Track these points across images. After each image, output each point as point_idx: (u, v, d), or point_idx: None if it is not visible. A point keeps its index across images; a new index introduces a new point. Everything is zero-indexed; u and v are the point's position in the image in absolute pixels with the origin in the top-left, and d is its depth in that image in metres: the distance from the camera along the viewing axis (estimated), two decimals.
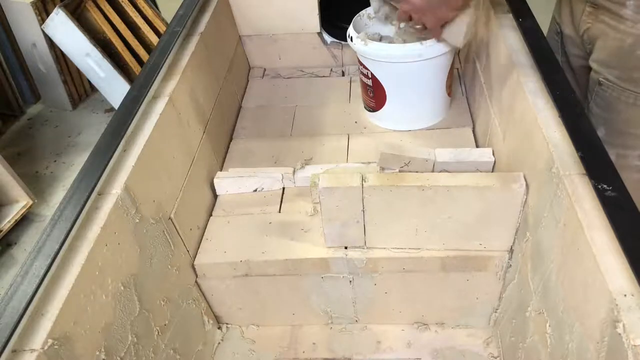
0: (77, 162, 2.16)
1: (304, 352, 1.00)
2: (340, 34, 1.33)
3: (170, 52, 0.97)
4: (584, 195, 0.63)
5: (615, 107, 0.92)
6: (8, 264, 1.74)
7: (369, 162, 1.05)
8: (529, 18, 0.96)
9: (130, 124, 0.82)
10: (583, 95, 1.01)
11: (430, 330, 1.01)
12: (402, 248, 0.90)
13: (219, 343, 1.02)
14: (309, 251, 0.92)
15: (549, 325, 0.69)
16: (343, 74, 1.41)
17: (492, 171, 0.92)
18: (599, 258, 0.57)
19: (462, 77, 1.30)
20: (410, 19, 0.96)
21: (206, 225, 1.00)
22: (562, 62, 1.04)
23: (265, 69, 1.44)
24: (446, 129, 1.17)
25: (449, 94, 1.19)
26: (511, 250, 0.86)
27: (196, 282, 0.96)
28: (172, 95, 0.92)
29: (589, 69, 0.97)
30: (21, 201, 1.82)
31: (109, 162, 0.75)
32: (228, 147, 1.20)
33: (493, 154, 0.92)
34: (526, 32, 0.92)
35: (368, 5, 1.19)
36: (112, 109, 2.38)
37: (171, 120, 0.92)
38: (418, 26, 0.98)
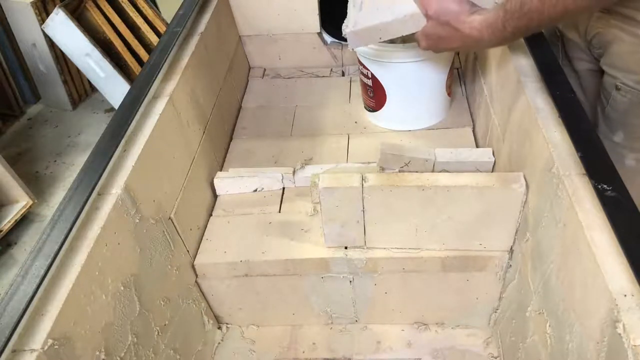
0: (77, 162, 2.16)
1: (304, 352, 1.00)
2: (340, 34, 1.33)
3: (170, 52, 0.97)
4: (584, 195, 0.63)
5: (634, 112, 0.91)
6: (8, 264, 1.74)
7: (369, 162, 1.05)
8: None
9: (130, 124, 0.82)
10: (591, 98, 1.00)
11: (430, 330, 1.01)
12: (402, 248, 0.90)
13: (219, 343, 1.02)
14: (309, 251, 0.92)
15: (549, 325, 0.69)
16: (343, 74, 1.41)
17: (492, 171, 0.92)
18: (599, 258, 0.57)
19: (462, 77, 1.30)
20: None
21: (206, 225, 1.00)
22: (564, 65, 1.04)
23: (265, 69, 1.44)
24: (446, 129, 1.17)
25: (449, 94, 1.19)
26: (511, 250, 0.86)
27: (196, 282, 0.96)
28: (172, 95, 0.92)
29: (597, 72, 0.96)
30: (21, 201, 1.82)
31: (109, 162, 0.75)
32: (228, 147, 1.20)
33: (493, 154, 0.92)
34: None
35: None
36: (112, 109, 2.38)
37: (171, 120, 0.92)
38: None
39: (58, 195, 1.99)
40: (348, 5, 0.91)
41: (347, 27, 0.89)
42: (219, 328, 1.04)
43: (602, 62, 0.93)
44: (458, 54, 1.34)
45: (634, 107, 0.90)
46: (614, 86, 0.91)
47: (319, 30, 1.37)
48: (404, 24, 0.82)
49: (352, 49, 0.90)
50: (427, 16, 0.80)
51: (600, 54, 0.92)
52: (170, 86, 0.94)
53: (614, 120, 0.93)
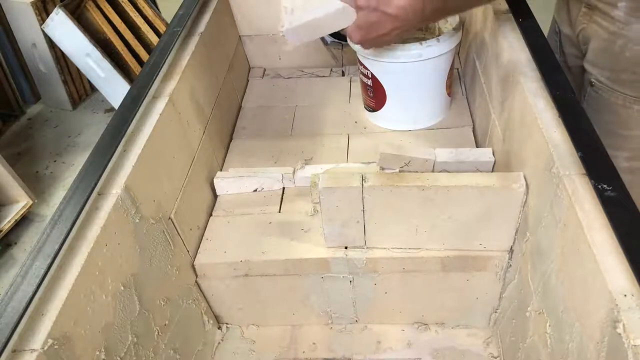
0: (77, 162, 2.17)
1: (304, 352, 1.00)
2: (340, 34, 1.33)
3: (170, 52, 0.97)
4: (584, 195, 0.63)
5: (605, 108, 0.92)
6: (8, 264, 1.74)
7: (369, 162, 1.05)
8: (529, 18, 0.96)
9: (130, 124, 0.82)
10: (578, 95, 1.01)
11: (430, 330, 1.01)
12: (402, 248, 0.90)
13: (219, 343, 1.02)
14: (309, 251, 0.92)
15: (549, 325, 0.69)
16: (343, 74, 1.41)
17: (492, 171, 0.92)
18: (599, 258, 0.57)
19: (462, 77, 1.30)
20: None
21: (206, 225, 1.00)
22: (560, 61, 1.05)
23: (265, 69, 1.44)
24: (446, 129, 1.17)
25: (449, 94, 1.19)
26: (511, 250, 0.86)
27: (196, 282, 0.96)
28: (172, 95, 0.92)
29: (584, 68, 0.97)
30: (21, 201, 1.83)
31: (109, 162, 0.75)
32: (228, 147, 1.20)
33: (493, 154, 0.92)
34: (526, 32, 0.92)
35: None
36: (112, 109, 2.39)
37: (171, 120, 0.92)
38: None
39: (58, 195, 2.00)
40: (281, 10, 0.93)
41: (284, 27, 0.91)
42: (219, 328, 1.04)
43: (585, 59, 0.94)
44: (458, 53, 1.34)
45: (604, 103, 0.91)
46: (589, 82, 0.92)
47: None
48: (336, 18, 0.86)
49: (292, 47, 0.92)
50: (358, 7, 0.82)
51: (586, 50, 0.93)
52: (170, 86, 0.94)
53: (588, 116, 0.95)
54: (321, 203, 0.84)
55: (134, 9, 2.26)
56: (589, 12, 0.90)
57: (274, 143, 1.19)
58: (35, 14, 2.11)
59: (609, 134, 0.93)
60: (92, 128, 2.34)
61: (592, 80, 0.92)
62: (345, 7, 0.84)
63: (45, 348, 0.57)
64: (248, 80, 1.41)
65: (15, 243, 1.80)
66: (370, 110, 1.20)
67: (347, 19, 0.85)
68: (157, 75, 0.92)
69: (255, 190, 1.06)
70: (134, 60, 2.19)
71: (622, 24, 0.85)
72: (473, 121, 1.17)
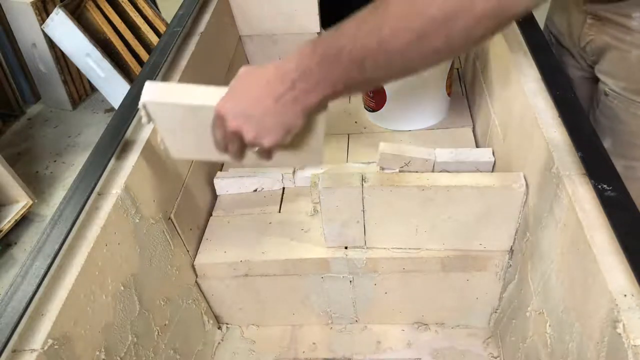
0: (77, 162, 2.16)
1: (304, 352, 1.00)
2: None
3: (170, 52, 0.97)
4: (584, 195, 0.63)
5: (622, 119, 0.91)
6: (8, 264, 1.74)
7: (369, 162, 1.05)
8: (529, 18, 0.96)
9: (130, 123, 0.82)
10: (585, 106, 1.00)
11: (430, 330, 1.01)
12: (402, 248, 0.90)
13: (219, 343, 1.02)
14: (309, 251, 0.92)
15: (549, 325, 0.69)
16: None
17: (492, 171, 0.92)
18: (599, 258, 0.57)
19: (462, 77, 1.30)
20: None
21: (206, 225, 1.00)
22: None
23: None
24: (446, 129, 1.17)
25: (449, 94, 1.19)
26: (511, 250, 0.86)
27: (196, 282, 0.96)
28: None
29: (590, 80, 0.96)
30: (21, 201, 1.82)
31: (109, 162, 0.75)
32: None
33: (493, 154, 0.92)
34: (526, 32, 0.92)
35: (368, 4, 1.19)
36: (112, 109, 2.39)
37: None
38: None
39: (58, 195, 1.99)
40: None
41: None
42: (219, 328, 1.04)
43: (596, 69, 0.93)
44: (459, 57, 1.34)
45: (620, 113, 0.90)
46: (603, 92, 0.92)
47: (319, 31, 1.37)
48: (204, 92, 0.71)
49: (142, 103, 0.70)
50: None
51: (595, 61, 0.93)
52: None
53: (602, 126, 0.94)
54: (321, 203, 0.84)
55: (134, 9, 2.26)
56: (596, 23, 0.89)
57: None
58: (35, 14, 2.11)
59: (626, 144, 0.92)
60: (92, 128, 2.33)
61: (607, 90, 0.91)
62: (220, 88, 0.67)
63: (45, 348, 0.57)
64: None
65: (15, 243, 1.80)
66: (370, 110, 1.20)
67: (217, 96, 0.67)
68: (157, 75, 0.92)
69: (255, 190, 1.06)
70: (134, 60, 2.19)
71: (639, 34, 0.84)
72: (473, 121, 1.17)
